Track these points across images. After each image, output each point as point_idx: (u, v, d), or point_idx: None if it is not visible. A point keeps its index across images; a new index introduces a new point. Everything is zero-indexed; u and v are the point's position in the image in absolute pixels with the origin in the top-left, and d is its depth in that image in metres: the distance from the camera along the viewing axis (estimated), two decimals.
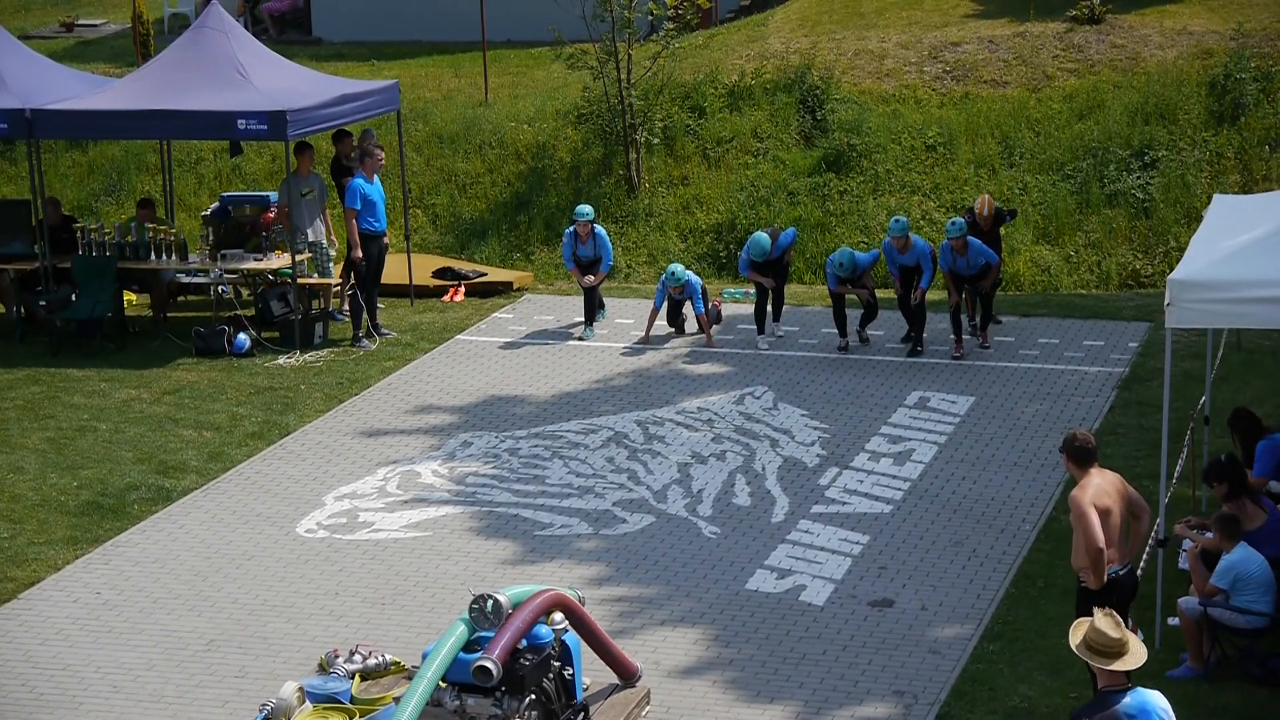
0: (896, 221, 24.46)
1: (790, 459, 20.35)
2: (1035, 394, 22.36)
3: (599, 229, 25.49)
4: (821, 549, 18.02)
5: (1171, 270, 15.95)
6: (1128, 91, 29.39)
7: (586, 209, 25.43)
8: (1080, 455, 13.86)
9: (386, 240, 25.47)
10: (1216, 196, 19.16)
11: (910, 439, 20.96)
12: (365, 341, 24.99)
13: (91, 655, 15.99)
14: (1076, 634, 10.65)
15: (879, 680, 15.39)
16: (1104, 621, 10.55)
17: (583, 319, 25.65)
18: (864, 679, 15.43)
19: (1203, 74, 29.41)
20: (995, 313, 25.08)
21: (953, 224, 23.85)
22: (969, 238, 23.73)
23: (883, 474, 19.92)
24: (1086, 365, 23.39)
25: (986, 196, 25.05)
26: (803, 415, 21.71)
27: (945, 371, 23.25)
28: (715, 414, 21.88)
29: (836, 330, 24.55)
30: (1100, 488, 13.70)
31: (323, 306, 25.86)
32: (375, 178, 25.19)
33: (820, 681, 15.40)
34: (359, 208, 24.74)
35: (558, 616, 14.08)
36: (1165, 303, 15.12)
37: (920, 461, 20.27)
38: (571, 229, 25.49)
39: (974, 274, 24.01)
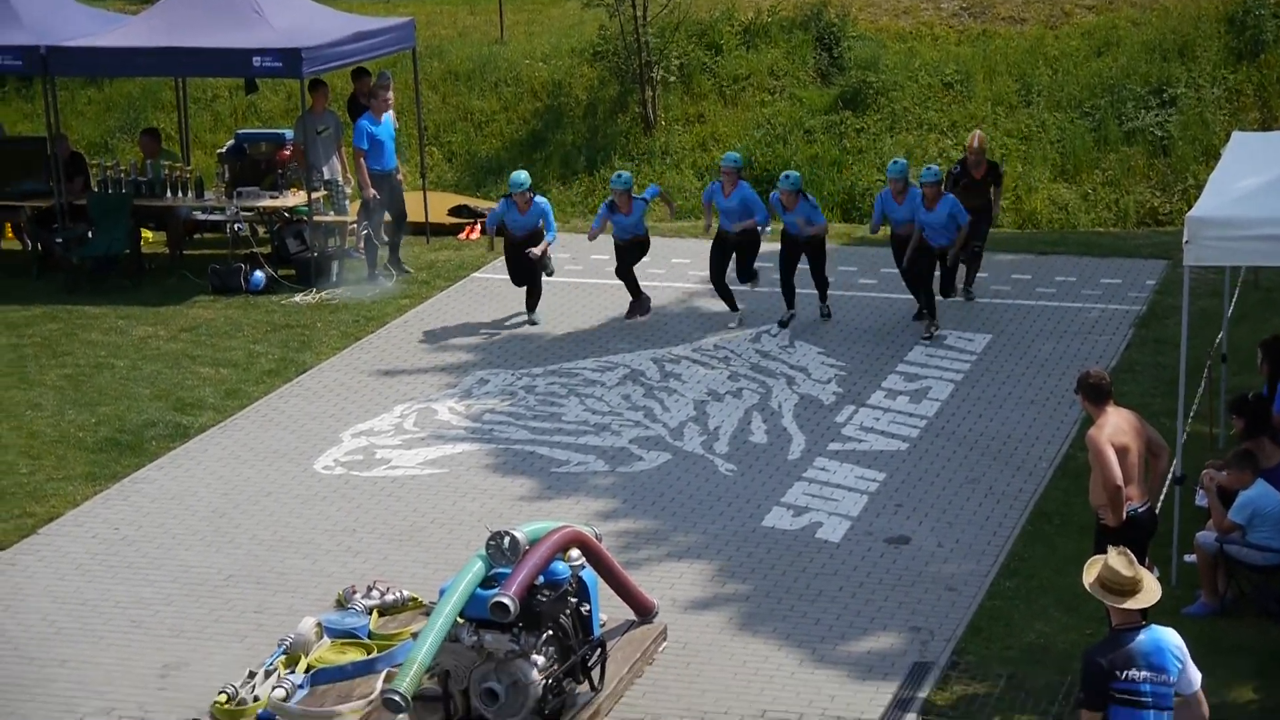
0: (895, 164, 22.88)
1: (807, 397, 20.37)
2: (1052, 331, 22.36)
3: (540, 199, 23.44)
4: (838, 486, 18.05)
5: (1190, 208, 15.93)
6: (1146, 28, 29.34)
7: (522, 176, 23.19)
8: (1096, 393, 13.87)
9: (400, 177, 25.45)
10: (1235, 134, 19.12)
11: (927, 376, 20.97)
12: (382, 279, 25.00)
13: (110, 590, 16.07)
14: (1090, 572, 10.67)
15: (895, 617, 15.44)
16: (1117, 560, 10.58)
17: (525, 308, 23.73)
18: (880, 615, 15.48)
19: (1221, 10, 29.33)
20: (974, 284, 23.80)
21: (928, 170, 22.45)
22: (947, 193, 22.35)
23: (899, 411, 19.94)
24: (1104, 303, 23.38)
25: (978, 132, 24.05)
26: (819, 353, 21.73)
27: (962, 309, 23.24)
28: (732, 352, 21.90)
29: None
30: (1118, 426, 13.71)
31: (339, 244, 25.87)
32: (384, 117, 25.12)
33: (836, 618, 15.45)
34: (366, 148, 24.72)
35: (574, 553, 14.13)
36: (1183, 240, 15.11)
37: (937, 399, 20.28)
38: (508, 196, 23.29)
39: (938, 234, 22.22)
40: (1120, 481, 13.54)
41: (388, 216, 25.34)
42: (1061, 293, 23.89)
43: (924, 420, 19.71)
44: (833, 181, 28.32)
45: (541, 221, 23.16)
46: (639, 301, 23.56)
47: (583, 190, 29.59)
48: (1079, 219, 27.44)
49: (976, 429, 19.42)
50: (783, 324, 22.89)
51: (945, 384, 20.73)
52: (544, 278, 23.66)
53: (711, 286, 23.42)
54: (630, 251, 23.67)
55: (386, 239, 25.54)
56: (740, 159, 23.52)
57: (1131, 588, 10.48)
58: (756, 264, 23.58)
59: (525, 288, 23.50)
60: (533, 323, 23.31)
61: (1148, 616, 10.54)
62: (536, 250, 23.05)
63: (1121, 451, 13.60)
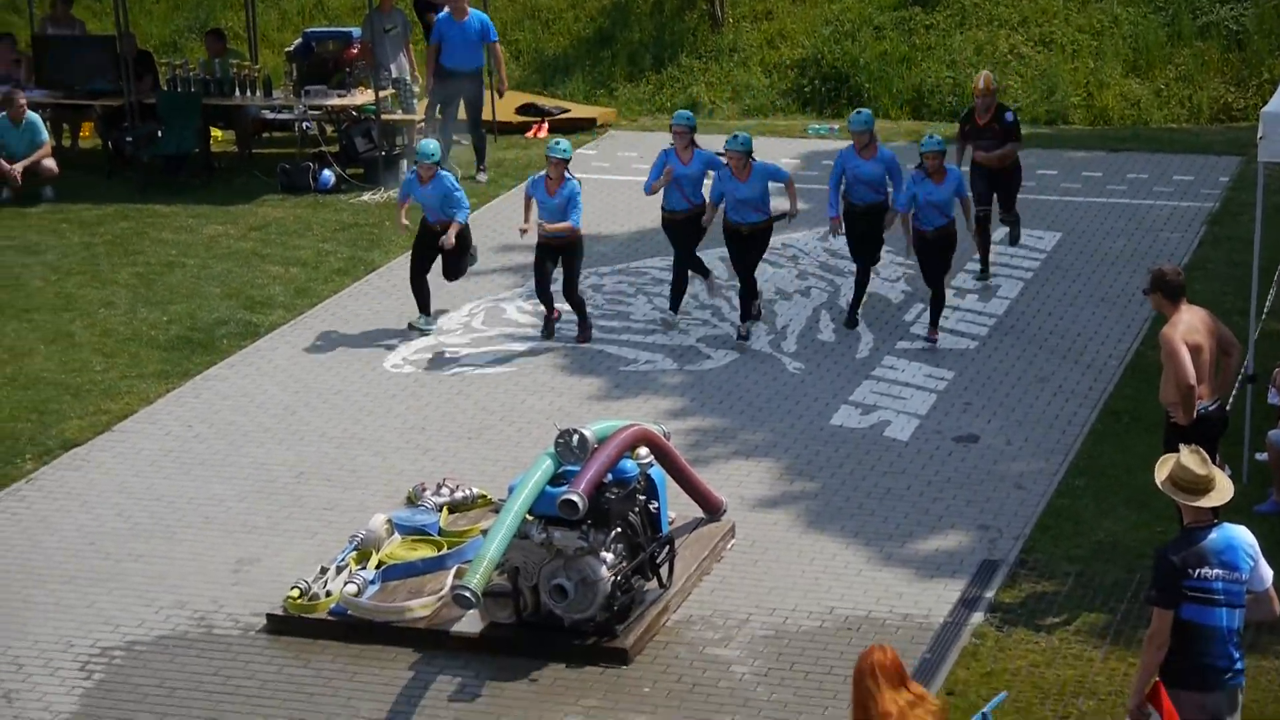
0: (859, 114, 19.89)
1: (874, 295, 20.30)
2: (1123, 230, 22.23)
3: (445, 174, 19.88)
4: (906, 384, 18.04)
5: (1265, 103, 15.77)
6: None
7: (430, 146, 19.91)
8: (1170, 291, 13.76)
9: (479, 79, 25.33)
10: None
11: (997, 275, 20.90)
12: (483, 175, 25.03)
13: (184, 486, 16.19)
14: (1162, 470, 10.63)
15: (963, 515, 15.44)
16: (1190, 458, 10.53)
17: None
18: (948, 514, 15.49)
19: None
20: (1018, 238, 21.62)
21: (930, 139, 19.28)
22: (950, 167, 19.20)
23: (968, 310, 19.88)
24: (1176, 200, 23.24)
25: (986, 72, 22.13)
26: (888, 250, 21.61)
27: (1032, 207, 23.10)
28: (800, 250, 21.85)
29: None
30: (1190, 324, 13.62)
31: (406, 143, 25.86)
32: (468, 17, 24.98)
33: (904, 516, 15.46)
34: (439, 43, 24.68)
35: (643, 451, 14.16)
36: (1258, 136, 14.97)
37: (1006, 297, 20.22)
38: (413, 169, 20.16)
39: (935, 213, 19.00)
40: (1193, 380, 13.46)
41: (463, 114, 25.31)
42: (1133, 190, 23.74)
43: (993, 318, 19.65)
44: (901, 79, 28.15)
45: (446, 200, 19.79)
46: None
47: (650, 88, 29.46)
48: (1151, 115, 27.21)
49: (1046, 327, 19.35)
50: (742, 337, 19.32)
51: (1015, 282, 20.66)
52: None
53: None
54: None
55: (455, 137, 25.53)
56: (691, 117, 20.04)
57: (1204, 486, 10.43)
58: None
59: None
60: (424, 332, 19.82)
61: (1219, 515, 10.50)
62: (448, 238, 19.55)
63: (1194, 350, 13.52)
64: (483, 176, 25.04)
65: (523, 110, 27.88)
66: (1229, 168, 24.38)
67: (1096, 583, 14.25)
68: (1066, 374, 18.16)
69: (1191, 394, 13.52)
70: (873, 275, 20.18)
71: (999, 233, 21.67)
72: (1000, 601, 14.08)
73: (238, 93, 25.72)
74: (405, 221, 20.23)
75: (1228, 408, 14.31)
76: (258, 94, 25.79)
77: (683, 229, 19.66)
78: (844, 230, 19.90)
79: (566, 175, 19.11)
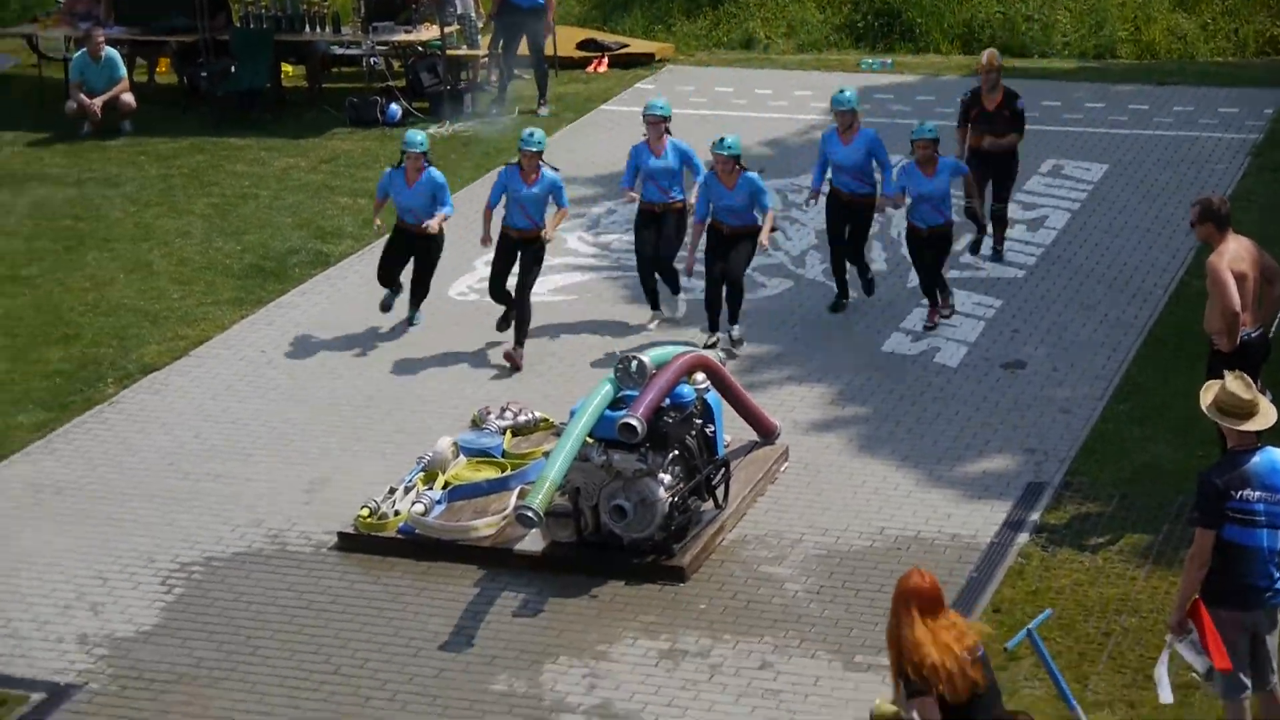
0: (840, 93, 18.07)
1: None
2: (1169, 161, 22.11)
3: (433, 170, 18.00)
4: (957, 312, 17.99)
5: None
6: None
7: (417, 136, 17.99)
8: (1217, 220, 13.71)
9: (547, 13, 25.26)
10: None
11: (1044, 205, 20.82)
12: (545, 109, 25.00)
13: (258, 409, 16.30)
14: (1207, 395, 10.63)
15: (1010, 439, 15.44)
16: (1235, 383, 10.52)
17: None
18: (995, 437, 15.49)
19: None
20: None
21: (923, 126, 17.40)
22: (941, 157, 17.27)
23: (1016, 239, 19.81)
24: (1221, 132, 23.09)
25: (992, 49, 19.78)
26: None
27: (1080, 139, 22.99)
28: None
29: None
30: (1235, 253, 13.57)
31: (471, 78, 25.85)
32: None
33: (953, 440, 15.47)
34: None
35: (699, 377, 14.20)
36: None
37: (1053, 228, 20.15)
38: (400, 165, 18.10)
39: (933, 210, 17.25)
40: (1238, 307, 13.42)
41: (524, 49, 25.28)
42: (1179, 122, 23.60)
43: (1040, 248, 19.59)
44: (952, 13, 27.99)
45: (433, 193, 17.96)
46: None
47: (707, 24, 29.32)
48: (1197, 49, 27.01)
49: (1093, 257, 19.28)
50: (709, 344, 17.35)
51: (1062, 213, 20.58)
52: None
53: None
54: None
55: (517, 72, 25.51)
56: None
57: (1249, 410, 10.42)
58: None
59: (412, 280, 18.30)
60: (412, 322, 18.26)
61: (1262, 439, 10.50)
62: (431, 223, 17.81)
63: (1239, 278, 13.47)
64: (544, 110, 25.02)
65: (583, 46, 27.82)
66: (1273, 100, 24.18)
67: (1139, 504, 14.25)
68: (1112, 302, 18.10)
69: (1236, 321, 13.48)
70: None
71: (964, 241, 19.07)
72: (1045, 522, 14.09)
73: (308, 29, 25.76)
74: (379, 221, 18.41)
75: (1270, 335, 14.25)
76: (327, 30, 25.83)
77: (660, 222, 17.78)
78: (825, 211, 18.08)
79: (541, 165, 17.33)
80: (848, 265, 18.06)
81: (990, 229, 19.16)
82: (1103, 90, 25.08)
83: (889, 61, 26.68)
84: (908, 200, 17.40)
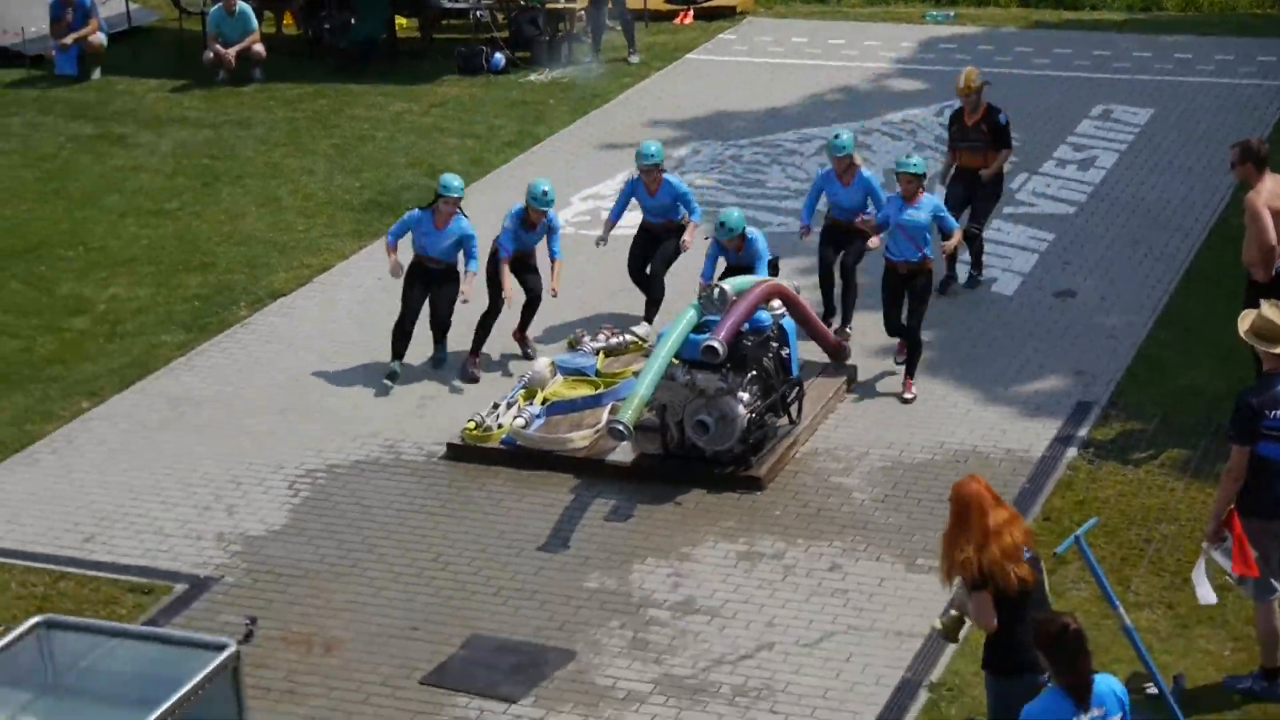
0: (837, 138, 15.86)
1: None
2: (1210, 106, 21.86)
3: (465, 220, 15.70)
4: (1012, 245, 17.90)
5: None
6: None
7: (455, 181, 15.68)
8: (1256, 160, 13.58)
9: None
10: None
11: (1094, 147, 20.63)
12: (634, 57, 24.90)
13: (375, 331, 16.33)
14: (1244, 322, 10.55)
15: (1061, 362, 15.38)
16: (1271, 310, 10.44)
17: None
18: (1047, 361, 15.42)
19: None
20: (981, 268, 16.89)
21: (907, 160, 15.06)
22: (928, 194, 15.10)
23: (1068, 179, 19.66)
24: (1259, 79, 22.80)
25: (970, 68, 17.27)
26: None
27: (1127, 86, 22.75)
28: (917, 125, 21.64)
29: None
30: (1273, 190, 13.46)
31: (568, 29, 25.77)
32: None
33: (1008, 362, 15.42)
34: None
35: (776, 303, 14.18)
36: None
37: (1102, 168, 19.97)
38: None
39: (907, 244, 14.85)
40: (1274, 241, 13.33)
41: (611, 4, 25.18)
42: (1220, 70, 23.31)
43: (1090, 186, 19.43)
44: None
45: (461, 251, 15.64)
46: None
47: None
48: (1238, 1, 26.66)
49: (1138, 195, 19.12)
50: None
51: (1111, 154, 20.39)
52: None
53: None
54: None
55: (609, 23, 25.42)
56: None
57: None
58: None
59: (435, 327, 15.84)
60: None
61: None
62: (466, 291, 15.46)
63: (1276, 214, 13.38)
64: (634, 58, 24.93)
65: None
66: None
67: (1179, 423, 14.18)
68: (1156, 237, 17.95)
69: (1272, 253, 13.39)
70: None
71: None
72: (1092, 438, 14.05)
73: None
74: (399, 261, 15.69)
75: None
76: None
77: (659, 238, 16.39)
78: (818, 239, 16.19)
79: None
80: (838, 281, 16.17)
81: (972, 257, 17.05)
82: (1150, 40, 24.79)
83: (952, 14, 26.42)
84: (882, 234, 15.04)
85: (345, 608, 12.19)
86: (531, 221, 15.60)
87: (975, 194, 16.81)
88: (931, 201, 14.97)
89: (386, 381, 15.34)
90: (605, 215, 17.89)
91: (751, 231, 15.28)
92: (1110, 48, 24.45)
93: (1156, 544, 12.49)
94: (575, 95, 23.61)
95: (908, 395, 14.75)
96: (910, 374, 14.89)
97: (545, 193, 15.54)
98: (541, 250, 15.92)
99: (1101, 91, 22.66)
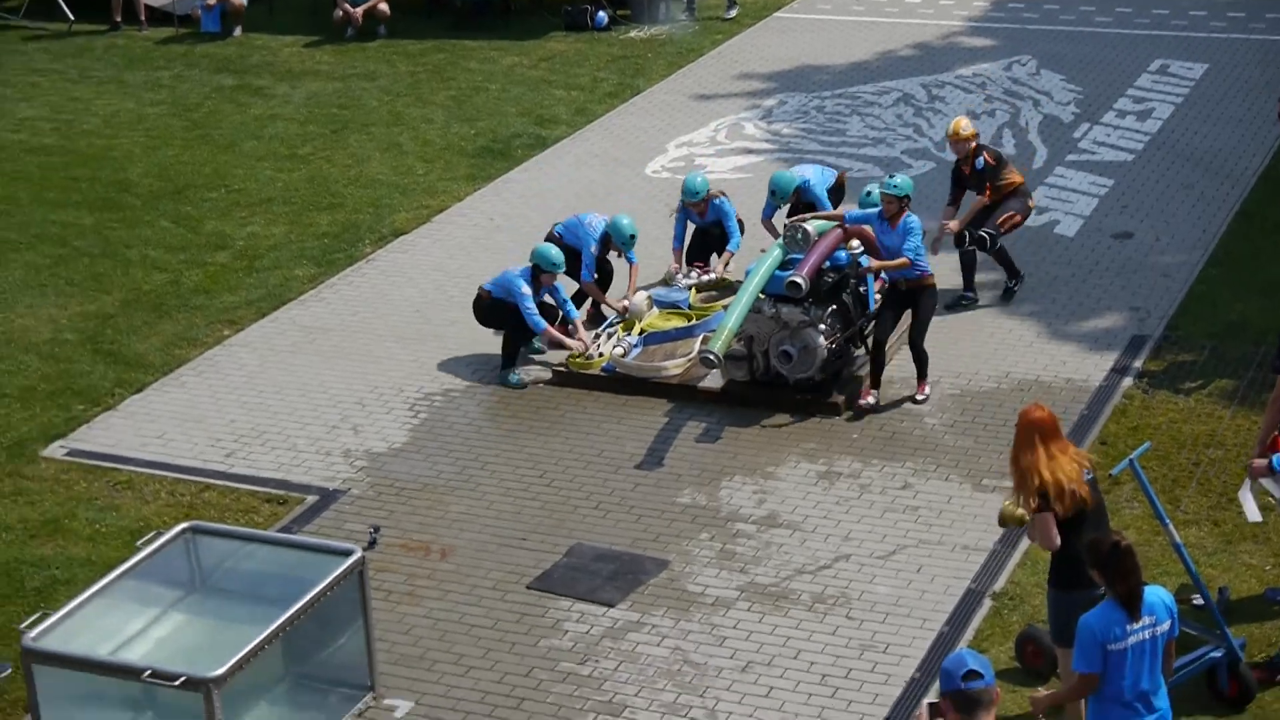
0: (891, 178, 13.59)
1: (1049, 116, 19.87)
2: (1261, 61, 21.46)
3: (559, 287, 14.58)
4: (1073, 190, 17.68)
5: None
6: None
7: (554, 255, 14.32)
8: None
9: None
10: None
11: (1151, 99, 20.32)
12: (732, 11, 24.70)
13: (487, 266, 16.32)
14: None
15: (1118, 298, 15.20)
16: None
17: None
18: (1105, 296, 15.25)
19: None
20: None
21: (890, 180, 13.51)
22: (909, 214, 13.40)
23: (1127, 128, 19.38)
24: None
25: (959, 117, 15.38)
26: (1061, 80, 21.14)
27: (1184, 42, 22.37)
28: (988, 78, 21.38)
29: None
30: None
31: None
32: None
33: (1069, 298, 15.26)
34: None
35: (855, 243, 14.06)
36: None
37: (1159, 118, 19.66)
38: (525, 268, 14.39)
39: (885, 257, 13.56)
40: None
41: None
42: (1270, 28, 22.87)
43: (1147, 136, 19.14)
44: None
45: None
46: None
47: None
48: None
49: (1192, 144, 18.82)
50: None
51: (1167, 105, 20.07)
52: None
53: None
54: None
55: None
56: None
57: None
58: None
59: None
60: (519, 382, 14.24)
61: None
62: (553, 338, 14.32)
63: None
64: (731, 12, 24.77)
65: None
66: None
67: (1228, 355, 14.00)
68: (1207, 183, 17.68)
69: None
70: (1050, 99, 19.70)
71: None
72: (1146, 369, 13.90)
73: None
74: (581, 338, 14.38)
75: None
76: None
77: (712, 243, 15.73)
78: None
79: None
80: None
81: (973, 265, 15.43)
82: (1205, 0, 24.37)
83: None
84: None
85: (459, 519, 12.26)
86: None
87: (989, 214, 15.04)
88: (906, 225, 13.37)
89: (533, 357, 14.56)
90: (699, 161, 17.84)
91: (720, 202, 15.25)
92: (1168, 6, 24.03)
93: (1204, 467, 12.36)
94: (671, 50, 23.47)
95: (919, 396, 13.53)
96: (922, 377, 13.61)
97: (633, 237, 14.90)
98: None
99: (1159, 47, 22.29)
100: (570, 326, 14.44)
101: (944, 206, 15.50)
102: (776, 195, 15.43)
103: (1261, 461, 10.13)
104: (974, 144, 15.03)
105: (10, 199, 18.87)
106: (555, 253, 14.31)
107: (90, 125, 21.32)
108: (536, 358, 14.45)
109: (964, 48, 22.84)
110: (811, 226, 13.63)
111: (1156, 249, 16.22)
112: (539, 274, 14.18)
